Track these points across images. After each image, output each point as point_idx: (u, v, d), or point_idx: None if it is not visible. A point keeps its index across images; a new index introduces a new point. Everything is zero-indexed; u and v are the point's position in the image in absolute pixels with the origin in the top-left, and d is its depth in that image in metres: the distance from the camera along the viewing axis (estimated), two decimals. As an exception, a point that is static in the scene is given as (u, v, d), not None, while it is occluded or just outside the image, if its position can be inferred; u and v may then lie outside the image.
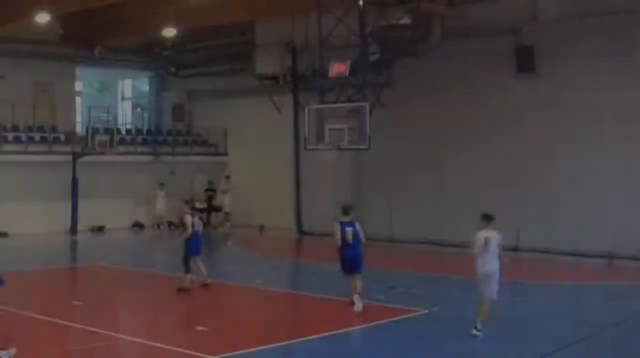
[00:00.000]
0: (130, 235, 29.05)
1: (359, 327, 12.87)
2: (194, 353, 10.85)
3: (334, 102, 22.12)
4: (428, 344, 11.91)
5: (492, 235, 11.86)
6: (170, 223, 30.92)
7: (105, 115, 32.77)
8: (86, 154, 27.44)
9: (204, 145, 32.71)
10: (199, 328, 12.42)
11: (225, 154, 32.49)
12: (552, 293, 15.68)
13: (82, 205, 27.28)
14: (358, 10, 22.22)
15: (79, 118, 32.42)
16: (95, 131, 27.48)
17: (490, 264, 11.82)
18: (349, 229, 13.97)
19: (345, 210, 14.25)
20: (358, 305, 13.76)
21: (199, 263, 16.03)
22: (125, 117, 36.80)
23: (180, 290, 15.48)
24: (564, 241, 21.62)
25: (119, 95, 38.03)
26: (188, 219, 15.99)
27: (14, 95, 27.13)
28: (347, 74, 21.59)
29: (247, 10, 25.87)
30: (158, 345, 11.39)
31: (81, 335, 10.45)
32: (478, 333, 11.84)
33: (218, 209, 31.21)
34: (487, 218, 12.01)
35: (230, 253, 22.89)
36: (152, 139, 31.18)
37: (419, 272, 19.09)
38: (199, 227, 16.19)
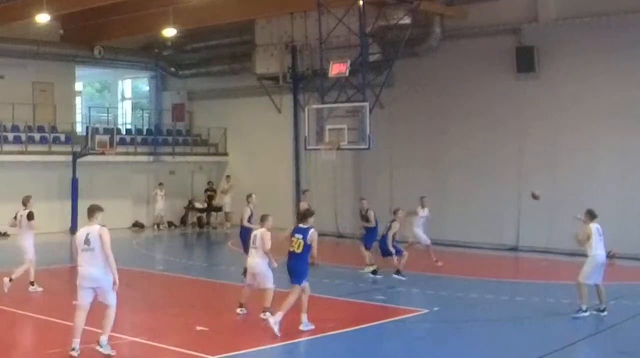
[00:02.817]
0: (130, 235, 29.02)
1: (358, 327, 12.86)
2: (194, 353, 10.84)
3: (334, 102, 22.13)
4: (428, 344, 11.91)
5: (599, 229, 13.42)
6: (170, 223, 30.95)
7: (105, 115, 32.82)
8: (86, 154, 27.42)
9: (204, 145, 32.71)
10: (199, 328, 12.41)
11: (225, 154, 32.50)
12: (552, 293, 15.67)
13: (82, 205, 27.18)
14: (358, 10, 22.22)
15: (79, 118, 32.41)
16: (95, 131, 27.42)
17: (602, 253, 13.36)
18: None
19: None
20: None
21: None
22: (125, 117, 36.80)
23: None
24: (564, 241, 21.60)
25: (119, 95, 38.02)
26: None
27: (14, 95, 27.12)
28: (347, 74, 21.58)
29: (247, 10, 25.86)
30: (158, 345, 11.39)
31: (81, 335, 10.44)
32: (586, 313, 13.21)
33: (218, 209, 31.20)
34: (592, 215, 13.47)
35: (230, 253, 22.83)
36: (152, 139, 31.16)
37: (419, 272, 19.07)
38: None
